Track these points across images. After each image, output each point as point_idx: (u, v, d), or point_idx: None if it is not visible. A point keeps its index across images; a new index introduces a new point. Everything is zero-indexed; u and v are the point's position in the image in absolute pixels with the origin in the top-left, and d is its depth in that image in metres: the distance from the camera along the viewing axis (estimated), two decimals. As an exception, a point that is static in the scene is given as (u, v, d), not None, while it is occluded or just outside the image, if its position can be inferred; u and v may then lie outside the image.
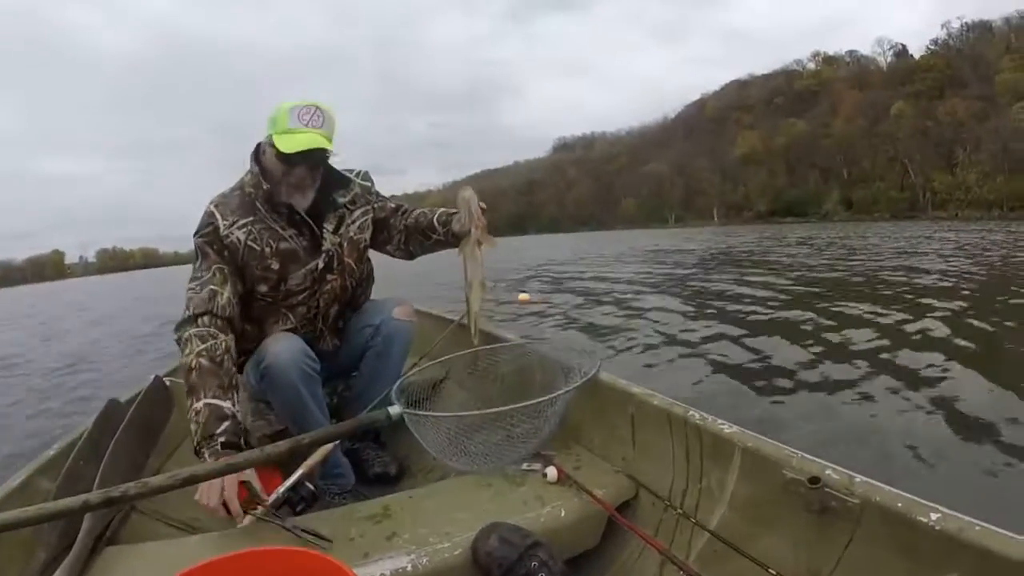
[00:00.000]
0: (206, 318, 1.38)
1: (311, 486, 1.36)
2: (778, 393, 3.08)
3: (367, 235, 1.71)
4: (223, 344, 1.36)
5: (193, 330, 1.36)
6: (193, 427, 1.27)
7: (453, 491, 1.30)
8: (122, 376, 4.93)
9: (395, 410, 1.18)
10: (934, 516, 0.74)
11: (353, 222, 1.65)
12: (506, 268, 14.69)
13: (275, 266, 1.50)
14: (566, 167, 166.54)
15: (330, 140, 1.48)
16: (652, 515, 1.20)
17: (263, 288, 1.51)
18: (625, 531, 1.17)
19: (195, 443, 1.26)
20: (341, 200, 1.62)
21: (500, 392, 1.59)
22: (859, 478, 0.85)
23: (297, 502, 1.33)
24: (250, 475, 1.26)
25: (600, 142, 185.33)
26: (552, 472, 1.27)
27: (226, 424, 1.27)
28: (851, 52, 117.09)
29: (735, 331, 4.67)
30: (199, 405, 1.27)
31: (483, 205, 1.56)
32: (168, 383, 1.97)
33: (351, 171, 1.71)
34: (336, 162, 1.63)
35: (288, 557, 0.87)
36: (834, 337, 4.24)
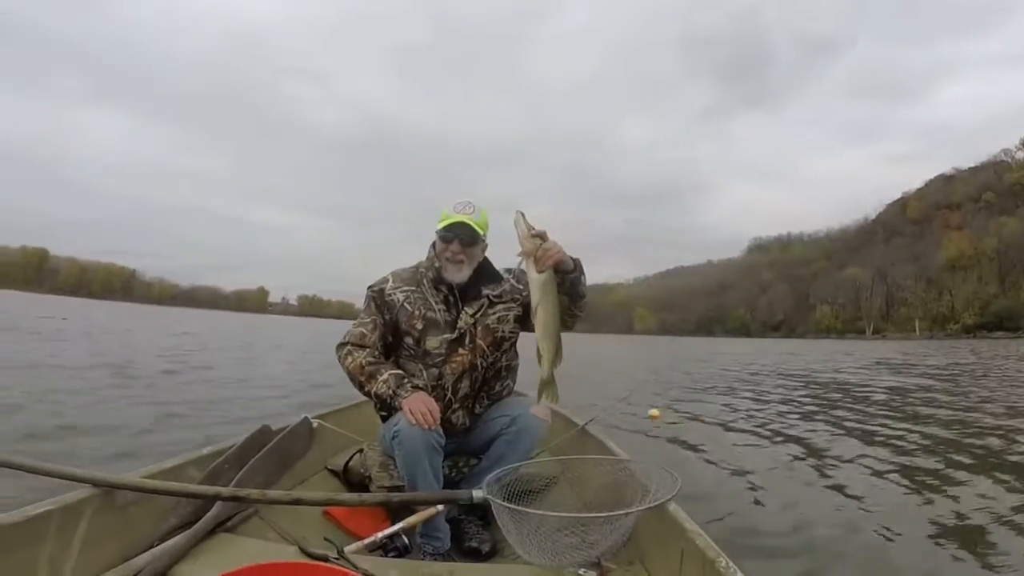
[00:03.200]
0: (354, 345, 1.91)
1: (406, 539, 1.61)
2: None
3: (507, 328, 1.98)
4: (373, 352, 1.90)
5: (348, 348, 1.92)
6: (385, 388, 1.80)
7: (506, 575, 1.41)
8: (278, 408, 5.45)
9: (478, 494, 1.35)
10: None
11: (494, 313, 1.96)
12: (682, 372, 13.58)
13: (419, 326, 1.91)
14: (760, 269, 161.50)
15: (480, 226, 1.88)
16: None
17: (408, 340, 1.93)
18: None
19: (392, 392, 1.78)
20: (487, 292, 1.96)
21: (592, 498, 1.67)
22: None
23: (391, 548, 1.59)
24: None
25: (797, 244, 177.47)
26: None
27: (407, 379, 1.82)
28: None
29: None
30: (386, 376, 1.82)
31: (535, 228, 1.57)
32: (315, 424, 2.25)
33: (509, 270, 2.03)
34: (500, 262, 2.00)
35: (309, 571, 1.10)
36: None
